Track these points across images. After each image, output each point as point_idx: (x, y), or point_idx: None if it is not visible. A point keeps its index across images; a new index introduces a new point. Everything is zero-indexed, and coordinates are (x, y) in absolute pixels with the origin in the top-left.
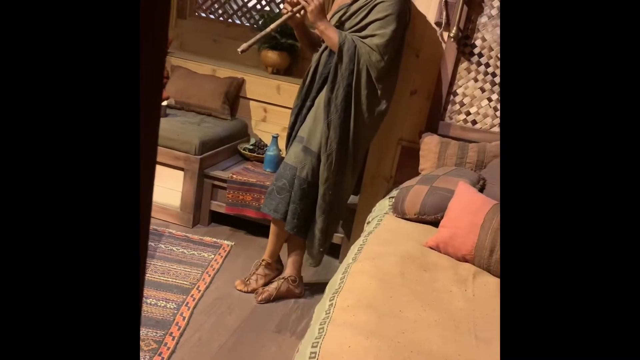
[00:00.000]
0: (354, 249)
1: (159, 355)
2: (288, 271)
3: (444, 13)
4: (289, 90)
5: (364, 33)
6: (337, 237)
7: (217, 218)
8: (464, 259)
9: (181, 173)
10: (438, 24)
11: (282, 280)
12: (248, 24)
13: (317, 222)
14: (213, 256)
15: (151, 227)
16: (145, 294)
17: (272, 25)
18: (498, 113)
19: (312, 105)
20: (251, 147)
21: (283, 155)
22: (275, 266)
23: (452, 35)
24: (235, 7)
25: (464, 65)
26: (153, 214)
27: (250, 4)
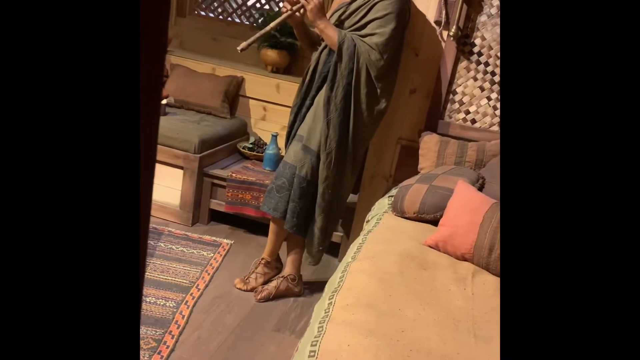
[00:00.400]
0: (353, 247)
1: (158, 353)
2: (287, 270)
3: (444, 12)
4: (288, 88)
5: (363, 32)
6: (337, 235)
7: (217, 216)
8: (463, 258)
9: (180, 171)
10: (437, 22)
11: (281, 278)
12: (248, 23)
13: (316, 220)
14: (212, 255)
15: (150, 225)
16: (144, 293)
17: (272, 24)
18: (497, 112)
19: (311, 104)
20: (251, 145)
21: (282, 154)
22: (275, 265)
23: (451, 34)
24: (234, 5)
25: (463, 64)
26: (152, 212)
27: (249, 3)
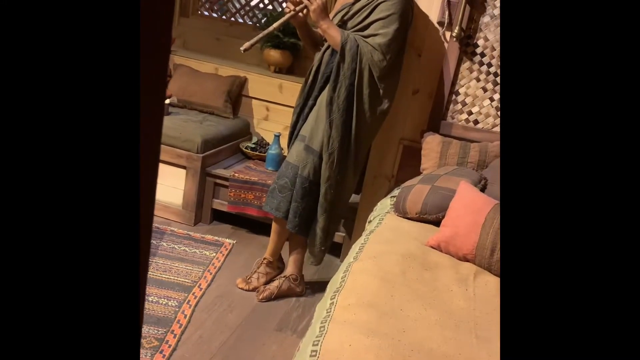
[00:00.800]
0: (355, 247)
1: (160, 352)
2: (289, 270)
3: (447, 12)
4: (291, 89)
5: (366, 32)
6: (339, 235)
7: (219, 216)
8: (465, 259)
9: (183, 171)
10: (440, 23)
11: (283, 278)
12: (251, 23)
13: (318, 220)
14: (215, 254)
15: (153, 225)
16: (146, 292)
17: (275, 24)
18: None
19: (314, 104)
20: (253, 145)
21: (285, 154)
22: (277, 264)
23: (454, 34)
24: (238, 5)
25: (466, 64)
26: (155, 212)
27: (253, 3)
